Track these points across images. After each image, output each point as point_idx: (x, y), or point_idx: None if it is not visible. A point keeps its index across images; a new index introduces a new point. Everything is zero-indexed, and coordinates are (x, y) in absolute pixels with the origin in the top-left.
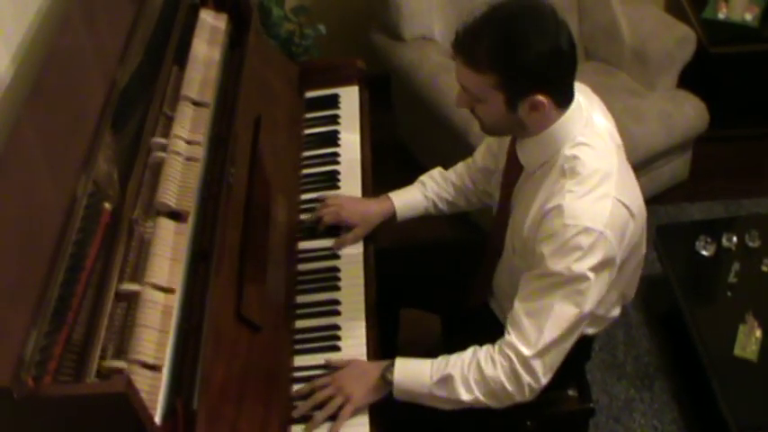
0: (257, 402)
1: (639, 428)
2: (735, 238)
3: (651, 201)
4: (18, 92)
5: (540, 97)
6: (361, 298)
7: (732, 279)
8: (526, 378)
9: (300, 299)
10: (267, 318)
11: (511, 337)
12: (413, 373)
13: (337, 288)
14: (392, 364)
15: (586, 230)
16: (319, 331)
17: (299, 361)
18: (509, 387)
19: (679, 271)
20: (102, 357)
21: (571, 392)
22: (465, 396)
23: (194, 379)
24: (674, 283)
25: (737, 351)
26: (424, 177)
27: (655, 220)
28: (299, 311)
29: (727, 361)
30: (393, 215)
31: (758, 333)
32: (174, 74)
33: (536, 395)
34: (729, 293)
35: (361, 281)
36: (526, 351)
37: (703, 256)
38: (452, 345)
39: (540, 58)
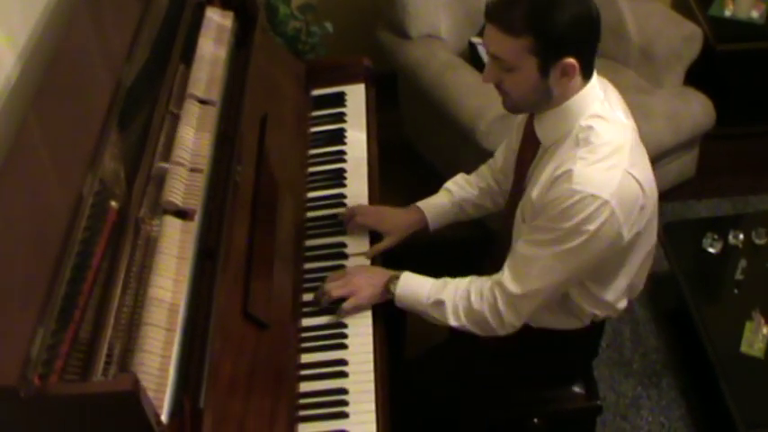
0: (264, 400)
1: (647, 425)
2: (741, 236)
3: (658, 198)
4: (24, 91)
5: (572, 60)
6: None
7: (739, 276)
8: (508, 316)
9: (307, 297)
10: (274, 315)
11: (503, 275)
12: (413, 289)
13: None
14: (397, 277)
15: (592, 197)
16: (326, 329)
17: (306, 358)
18: (491, 321)
19: (686, 268)
20: (109, 356)
21: (578, 390)
22: (453, 321)
23: (201, 377)
24: (680, 280)
25: (744, 348)
26: (448, 185)
27: (662, 217)
28: (305, 309)
29: (733, 358)
30: (425, 226)
31: (765, 330)
32: (181, 72)
33: (515, 330)
34: (736, 290)
35: None
36: (514, 290)
37: (710, 253)
38: (459, 340)
39: (575, 21)
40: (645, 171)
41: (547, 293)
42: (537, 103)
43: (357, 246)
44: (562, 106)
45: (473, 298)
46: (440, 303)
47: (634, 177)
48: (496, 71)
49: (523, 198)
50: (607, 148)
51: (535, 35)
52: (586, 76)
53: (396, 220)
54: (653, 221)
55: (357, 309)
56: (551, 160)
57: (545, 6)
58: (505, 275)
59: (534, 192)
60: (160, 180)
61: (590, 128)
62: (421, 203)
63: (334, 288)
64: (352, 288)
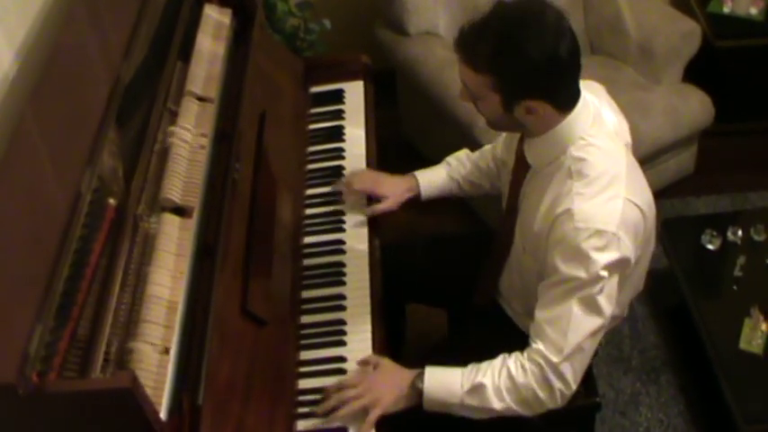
0: (263, 397)
1: (646, 422)
2: (740, 232)
3: (657, 195)
4: (22, 88)
5: (534, 103)
6: (367, 293)
7: (738, 273)
8: (557, 384)
9: (306, 294)
10: (273, 313)
11: (538, 345)
12: (443, 381)
13: (343, 283)
14: (422, 373)
15: (598, 233)
16: (325, 326)
17: (305, 356)
18: (541, 394)
19: (685, 265)
20: (108, 353)
21: (577, 386)
22: (497, 404)
23: (200, 374)
24: (679, 277)
25: (743, 345)
26: (450, 158)
27: (660, 213)
28: (304, 306)
29: (732, 354)
30: (419, 194)
31: (764, 327)
32: (179, 69)
33: (567, 400)
34: (735, 287)
35: (367, 276)
36: (554, 358)
37: (709, 249)
38: (459, 339)
39: (535, 67)
40: (642, 192)
41: (588, 348)
42: (511, 128)
43: (356, 243)
44: (546, 135)
45: (515, 373)
46: (478, 388)
47: (634, 204)
48: (467, 95)
49: (519, 219)
50: (604, 180)
51: (496, 75)
52: (564, 110)
53: (393, 185)
54: (652, 233)
55: (382, 416)
56: (547, 189)
57: (507, 49)
58: (543, 346)
59: (533, 224)
60: (158, 177)
61: (582, 159)
62: (417, 172)
63: (354, 398)
64: (373, 396)
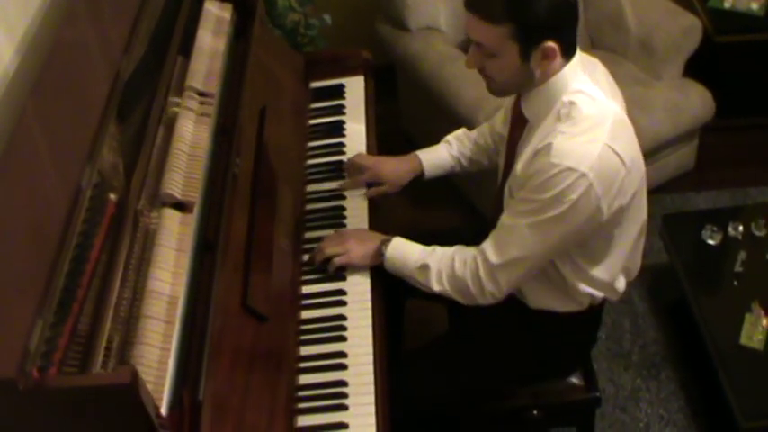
0: (263, 392)
1: (646, 418)
2: (741, 227)
3: (657, 190)
4: (23, 83)
5: (551, 44)
6: (368, 288)
7: (738, 268)
8: (488, 285)
9: (306, 289)
10: (273, 308)
11: (485, 244)
12: (403, 253)
13: (343, 278)
14: (389, 240)
15: (569, 170)
16: (325, 321)
17: (306, 350)
18: (472, 289)
19: (685, 260)
20: (108, 348)
21: (577, 381)
22: (436, 286)
23: (200, 369)
24: (680, 273)
25: (743, 340)
26: (449, 137)
27: (661, 209)
28: (305, 302)
29: (733, 350)
30: (421, 173)
31: (764, 322)
32: (179, 64)
33: (495, 301)
34: (735, 282)
35: (368, 271)
36: (493, 259)
37: (709, 245)
38: (459, 333)
39: (552, 7)
40: (627, 145)
41: (526, 265)
42: (520, 85)
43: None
44: (546, 84)
45: (456, 265)
46: (425, 267)
47: (614, 151)
48: (479, 57)
49: (510, 174)
50: (587, 122)
51: (515, 22)
52: (568, 56)
53: (394, 169)
54: (640, 197)
55: (348, 265)
56: (535, 135)
57: None
58: (487, 244)
59: (519, 166)
60: (159, 172)
61: (572, 103)
62: (420, 152)
63: (329, 246)
64: (346, 246)
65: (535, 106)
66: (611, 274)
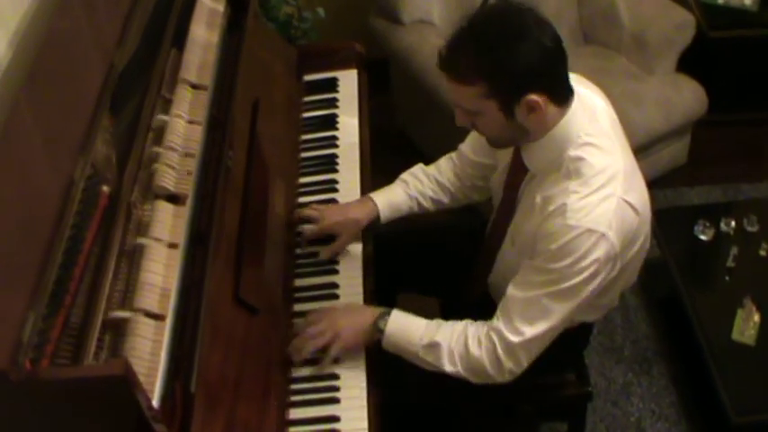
0: (255, 385)
1: (637, 412)
2: (733, 223)
3: (650, 185)
4: (16, 76)
5: (534, 96)
6: (360, 281)
7: (730, 263)
8: (507, 364)
9: (299, 282)
10: (265, 301)
11: (499, 322)
12: (405, 329)
13: (336, 272)
14: (388, 314)
15: (588, 232)
16: None
17: None
18: (490, 369)
19: (677, 255)
20: (100, 340)
21: (569, 376)
22: (448, 367)
23: (192, 362)
24: (672, 268)
25: (735, 335)
26: (405, 176)
27: (653, 204)
28: (297, 295)
29: (725, 345)
30: (377, 217)
31: (756, 317)
32: (173, 57)
33: (515, 378)
34: (728, 278)
35: (360, 264)
36: (512, 339)
37: (702, 240)
38: None
39: (523, 57)
40: (638, 190)
41: (548, 336)
42: (515, 139)
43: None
44: (546, 137)
45: (470, 343)
46: (435, 346)
47: (629, 204)
48: (464, 116)
49: (513, 220)
50: (600, 179)
51: (487, 80)
52: (562, 103)
53: (342, 219)
54: (647, 232)
55: (344, 351)
56: (539, 188)
57: (491, 50)
58: (502, 323)
59: (526, 223)
60: (152, 164)
61: (580, 159)
62: (374, 194)
63: (317, 336)
64: (335, 332)
65: (538, 159)
66: (612, 299)
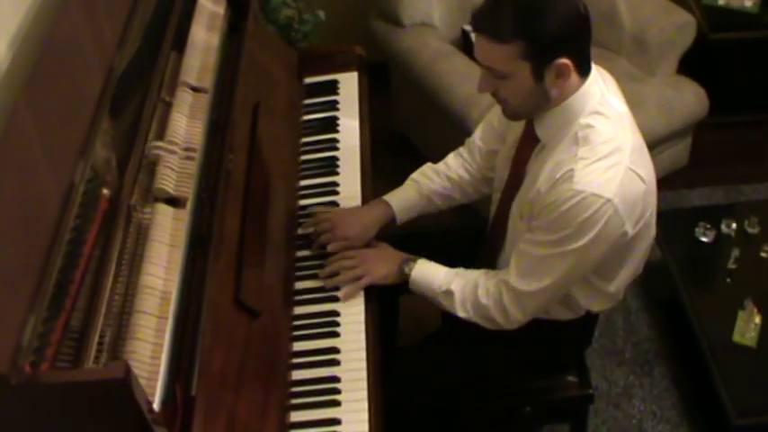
0: (256, 388)
1: (639, 414)
2: (734, 225)
3: None
4: (16, 78)
5: (566, 60)
6: None
7: (731, 265)
8: (513, 311)
9: (299, 285)
10: (266, 304)
11: (509, 273)
12: (426, 276)
13: (336, 273)
14: (414, 260)
15: (594, 196)
16: (318, 317)
17: (298, 346)
18: (497, 317)
19: (678, 257)
20: (101, 344)
21: (570, 378)
22: (461, 312)
23: (193, 365)
24: (673, 270)
25: (736, 337)
26: (415, 176)
27: None
28: (298, 298)
29: (726, 347)
30: (391, 220)
31: (757, 319)
32: (173, 59)
33: (521, 325)
34: (729, 280)
35: None
36: (518, 286)
37: (703, 242)
38: (453, 329)
39: (563, 21)
40: (646, 165)
41: (552, 291)
42: (536, 107)
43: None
44: (562, 105)
45: (480, 292)
46: (450, 294)
47: (636, 173)
48: (490, 80)
49: (519, 194)
50: (608, 146)
51: (525, 40)
52: (583, 74)
53: (354, 224)
54: (654, 212)
55: (370, 285)
56: (549, 157)
57: (531, 10)
58: (511, 273)
59: (532, 190)
60: (152, 166)
61: (589, 126)
62: (388, 197)
63: (346, 266)
64: (366, 267)
65: (550, 127)
66: (618, 287)
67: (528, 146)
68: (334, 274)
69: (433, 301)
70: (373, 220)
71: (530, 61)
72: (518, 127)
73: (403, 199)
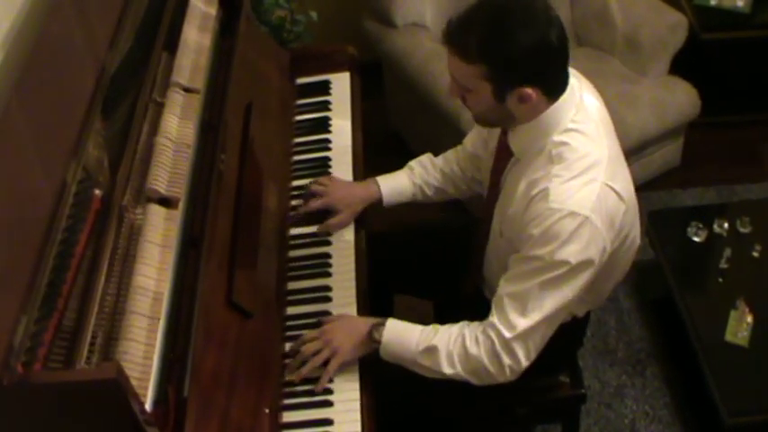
0: (248, 389)
1: (631, 414)
2: (726, 224)
3: (643, 187)
4: (7, 78)
5: (528, 90)
6: (353, 284)
7: (723, 265)
8: (506, 360)
9: (292, 285)
10: (258, 304)
11: (494, 318)
12: (401, 337)
13: (328, 274)
14: (382, 324)
15: (571, 215)
16: (310, 318)
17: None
18: (490, 368)
19: (671, 257)
20: (93, 344)
21: (563, 378)
22: (447, 369)
23: (185, 365)
24: (665, 269)
25: (729, 336)
26: (412, 163)
27: (647, 206)
28: (290, 298)
29: (718, 346)
30: (379, 200)
31: (749, 319)
32: (165, 60)
33: (517, 376)
34: (721, 279)
35: (353, 267)
36: (507, 334)
37: (695, 242)
38: None
39: (527, 52)
40: (623, 180)
41: (544, 328)
42: (500, 121)
43: (342, 234)
44: (532, 122)
45: (468, 343)
46: (432, 350)
47: (613, 189)
48: (456, 89)
49: (498, 205)
50: (583, 163)
51: (487, 64)
52: (553, 96)
53: (346, 194)
54: (635, 227)
55: (343, 366)
56: (523, 174)
57: (498, 36)
58: (496, 319)
59: (510, 208)
60: (144, 168)
61: (564, 143)
62: (380, 178)
63: (313, 349)
64: (332, 348)
65: (522, 143)
66: (603, 294)
67: (503, 157)
68: (303, 363)
69: (410, 364)
70: (362, 196)
71: (491, 83)
72: (498, 135)
73: (394, 183)
